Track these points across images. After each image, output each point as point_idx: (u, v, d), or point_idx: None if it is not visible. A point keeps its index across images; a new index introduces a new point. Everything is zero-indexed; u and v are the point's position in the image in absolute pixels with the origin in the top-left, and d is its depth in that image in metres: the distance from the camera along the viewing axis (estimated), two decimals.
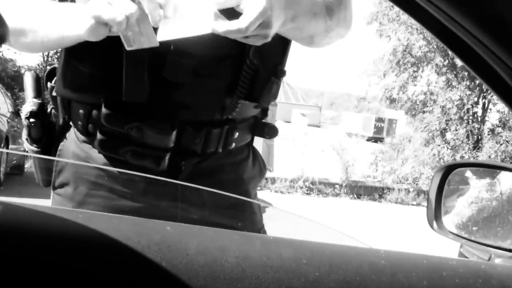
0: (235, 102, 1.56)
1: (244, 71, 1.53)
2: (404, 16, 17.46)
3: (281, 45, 1.57)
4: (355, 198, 14.65)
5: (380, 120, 31.75)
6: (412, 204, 14.76)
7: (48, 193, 1.67)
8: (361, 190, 14.92)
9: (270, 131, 1.72)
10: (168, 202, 1.57)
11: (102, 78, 1.48)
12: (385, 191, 15.11)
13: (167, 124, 1.50)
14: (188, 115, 1.53)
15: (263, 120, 1.74)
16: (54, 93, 1.65)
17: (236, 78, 1.54)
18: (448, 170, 1.33)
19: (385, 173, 17.12)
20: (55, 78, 1.66)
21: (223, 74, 1.55)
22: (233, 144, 1.64)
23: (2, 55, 24.18)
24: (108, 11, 1.22)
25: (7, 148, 10.59)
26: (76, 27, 1.32)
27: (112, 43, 1.32)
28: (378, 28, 18.65)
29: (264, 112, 1.74)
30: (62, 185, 1.61)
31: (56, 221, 0.85)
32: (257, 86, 1.56)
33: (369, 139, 27.72)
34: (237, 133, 1.63)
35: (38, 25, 1.46)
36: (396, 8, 15.91)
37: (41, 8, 1.47)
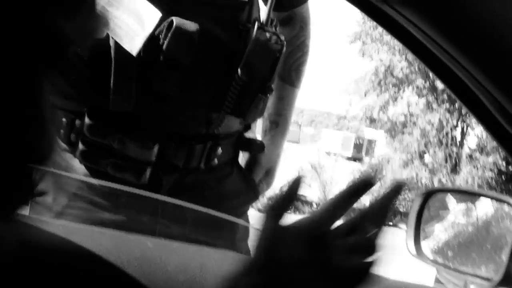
0: (222, 117, 1.57)
1: (232, 86, 1.54)
2: (387, 37, 17.33)
3: (270, 62, 1.57)
4: None
5: (359, 139, 31.60)
6: (389, 225, 14.46)
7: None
8: None
9: (255, 147, 1.77)
10: (148, 216, 1.55)
11: (88, 86, 1.48)
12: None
13: (150, 137, 1.50)
14: (172, 128, 1.54)
15: (247, 136, 1.77)
16: None
17: (224, 93, 1.55)
18: (428, 195, 1.34)
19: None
20: None
21: (211, 88, 1.55)
22: (216, 160, 1.64)
23: None
24: None
25: None
26: None
27: (101, 51, 1.34)
28: (360, 48, 18.59)
29: (247, 127, 1.76)
30: (41, 194, 1.58)
31: (36, 232, 0.84)
32: (245, 102, 1.57)
33: (348, 159, 27.63)
34: (220, 149, 1.63)
35: None
36: (380, 28, 16.39)
37: None
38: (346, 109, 19.63)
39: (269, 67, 1.58)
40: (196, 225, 1.58)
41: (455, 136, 18.04)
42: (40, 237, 0.83)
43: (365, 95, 18.90)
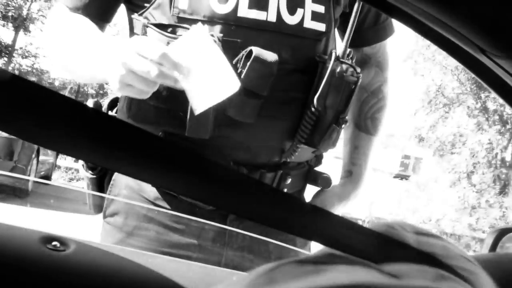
0: (295, 146, 1.56)
1: (307, 116, 1.53)
2: (440, 57, 17.40)
3: (345, 94, 1.55)
4: None
5: (406, 157, 31.21)
6: None
7: (76, 208, 1.63)
8: None
9: (323, 182, 1.72)
10: (216, 245, 1.57)
11: (166, 112, 1.48)
12: None
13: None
14: (245, 156, 1.54)
15: (317, 169, 1.74)
16: None
17: (298, 122, 1.54)
18: (501, 233, 1.32)
19: (409, 211, 16.86)
20: (116, 108, 1.68)
21: (286, 117, 1.55)
22: (285, 190, 1.61)
23: (39, 66, 24.13)
24: (138, 60, 1.23)
25: (37, 158, 10.65)
26: (104, 71, 1.34)
27: None
28: (412, 66, 18.53)
29: (319, 160, 1.75)
30: (112, 215, 1.61)
31: (128, 264, 0.87)
32: (318, 132, 1.56)
33: (395, 176, 27.25)
34: (290, 179, 1.62)
35: (73, 66, 1.55)
36: (432, 48, 16.85)
37: (79, 44, 1.51)
38: (395, 127, 19.53)
39: (344, 98, 1.56)
40: (259, 256, 1.59)
41: (504, 158, 17.80)
42: (134, 271, 0.86)
43: (415, 113, 18.78)
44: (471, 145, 17.73)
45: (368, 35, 1.79)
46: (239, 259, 1.57)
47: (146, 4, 1.50)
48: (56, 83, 24.15)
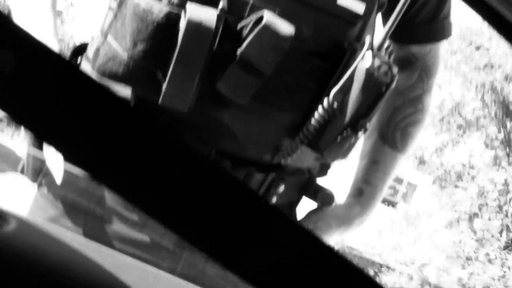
0: (295, 147, 1.43)
1: (318, 112, 1.39)
2: (466, 67, 16.64)
3: (372, 95, 1.40)
4: None
5: (398, 180, 29.88)
6: None
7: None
8: (355, 260, 13.07)
9: (323, 198, 1.61)
10: (174, 248, 1.52)
11: (142, 69, 1.36)
12: (383, 269, 13.90)
13: (203, 150, 1.43)
14: (231, 145, 1.43)
15: (318, 182, 1.65)
16: None
17: (305, 118, 1.41)
18: None
19: (389, 247, 15.35)
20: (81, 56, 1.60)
21: (290, 108, 1.43)
22: (275, 198, 1.53)
23: None
24: None
25: None
26: None
27: (166, 33, 1.30)
28: None
29: (324, 170, 1.64)
30: (50, 184, 1.53)
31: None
32: (328, 134, 1.42)
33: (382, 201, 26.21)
34: (282, 186, 1.52)
35: None
36: (459, 56, 16.39)
37: None
38: None
39: (369, 101, 1.41)
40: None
41: None
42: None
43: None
44: (481, 182, 16.02)
45: (420, 31, 1.71)
46: (198, 272, 1.53)
47: None
48: None
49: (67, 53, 1.64)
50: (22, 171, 1.60)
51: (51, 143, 0.35)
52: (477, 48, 16.79)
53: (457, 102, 17.22)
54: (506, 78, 16.36)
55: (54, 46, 1.50)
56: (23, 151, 1.60)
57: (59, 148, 0.34)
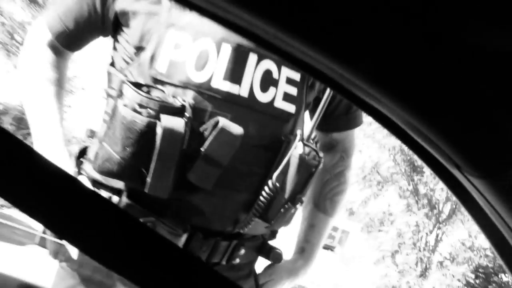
0: (249, 219, 1.58)
1: (265, 192, 1.55)
2: (380, 135, 17.42)
3: (305, 175, 1.59)
4: None
5: (334, 229, 31.03)
6: None
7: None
8: None
9: (274, 256, 1.75)
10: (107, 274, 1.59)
11: (131, 167, 1.46)
12: None
13: (181, 226, 1.52)
14: (201, 221, 1.55)
15: (270, 243, 1.77)
16: (82, 172, 1.68)
17: (255, 196, 1.56)
18: None
19: (331, 284, 16.79)
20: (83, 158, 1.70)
21: (243, 189, 1.57)
22: (237, 260, 1.66)
23: None
24: None
25: None
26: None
27: (148, 134, 1.39)
28: None
29: (273, 234, 1.78)
30: (68, 259, 1.63)
31: None
32: (273, 208, 1.57)
33: (323, 247, 26.97)
34: (243, 250, 1.65)
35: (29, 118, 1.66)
36: (374, 125, 16.87)
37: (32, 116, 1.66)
38: None
39: (303, 180, 1.59)
40: None
41: (429, 241, 17.85)
42: None
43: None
44: (399, 225, 17.72)
45: (338, 122, 1.84)
46: None
47: (127, 51, 1.57)
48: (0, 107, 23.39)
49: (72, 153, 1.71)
50: (39, 244, 1.74)
51: (64, 237, 0.45)
52: None
53: (375, 163, 18.13)
54: None
55: (59, 135, 1.63)
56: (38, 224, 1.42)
57: (70, 240, 0.39)
